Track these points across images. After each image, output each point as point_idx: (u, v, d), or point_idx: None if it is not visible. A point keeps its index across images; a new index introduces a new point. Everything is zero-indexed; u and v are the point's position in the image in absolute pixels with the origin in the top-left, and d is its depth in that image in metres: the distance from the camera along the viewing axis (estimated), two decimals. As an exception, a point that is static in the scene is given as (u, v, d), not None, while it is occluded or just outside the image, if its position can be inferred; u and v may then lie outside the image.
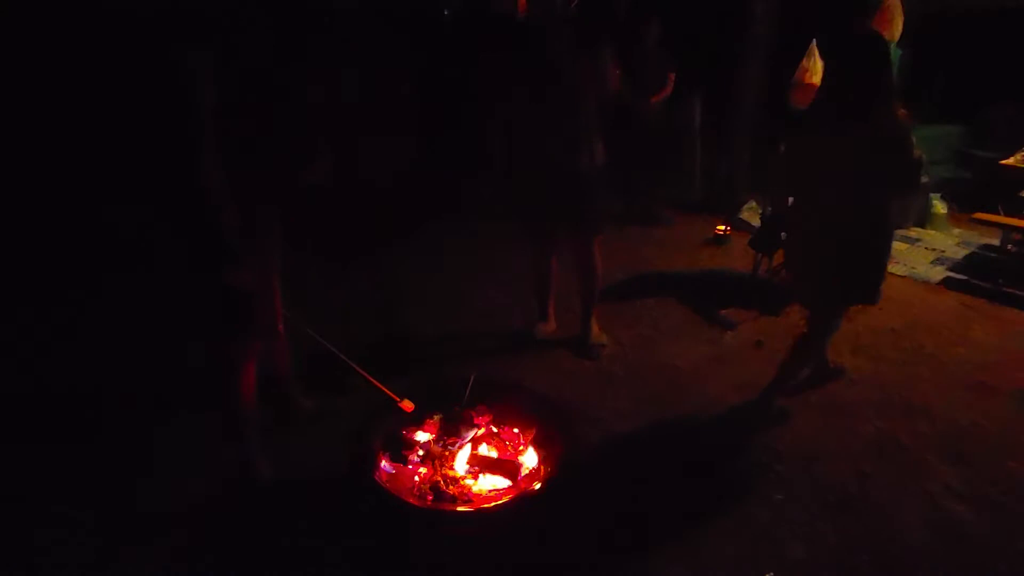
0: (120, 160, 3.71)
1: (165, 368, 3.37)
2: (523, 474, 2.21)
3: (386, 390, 2.42)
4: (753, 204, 5.77)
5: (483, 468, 2.21)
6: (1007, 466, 2.68)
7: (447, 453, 2.24)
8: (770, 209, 4.45)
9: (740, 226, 5.57)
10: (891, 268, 4.87)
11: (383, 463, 2.24)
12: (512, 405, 2.44)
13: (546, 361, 3.45)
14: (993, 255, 4.93)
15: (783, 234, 4.30)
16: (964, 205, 6.04)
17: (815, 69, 5.13)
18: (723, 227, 5.44)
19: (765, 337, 3.73)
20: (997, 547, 2.27)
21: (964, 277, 4.72)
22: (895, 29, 5.16)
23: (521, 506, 2.01)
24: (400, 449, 2.27)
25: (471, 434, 2.30)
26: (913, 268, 4.93)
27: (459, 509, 2.06)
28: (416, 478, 2.19)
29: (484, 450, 2.29)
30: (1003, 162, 4.84)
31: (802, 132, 2.74)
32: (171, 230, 2.20)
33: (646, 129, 5.49)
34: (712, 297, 4.27)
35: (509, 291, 4.22)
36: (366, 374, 2.49)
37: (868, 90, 2.40)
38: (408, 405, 2.41)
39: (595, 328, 3.59)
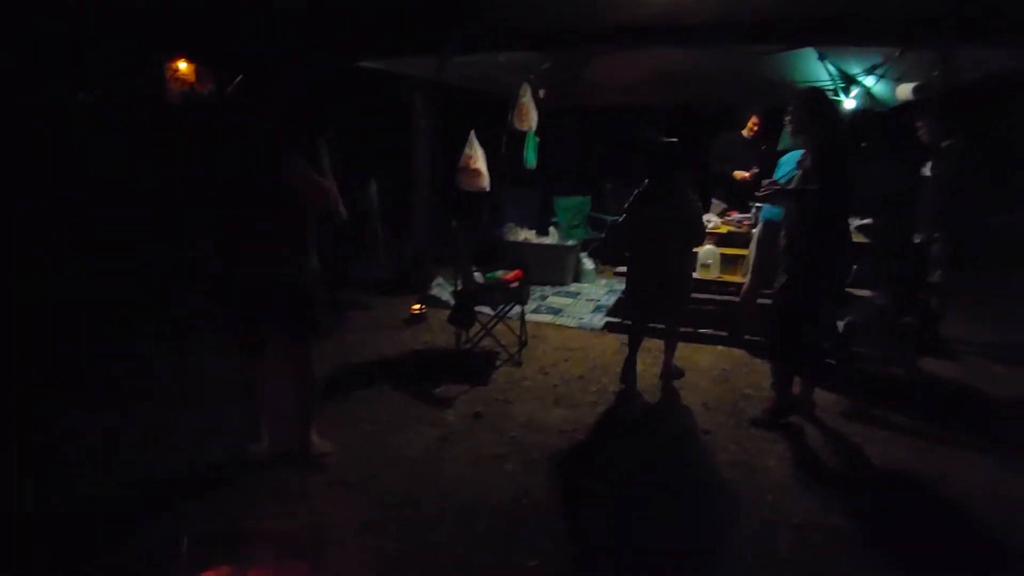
0: None
1: None
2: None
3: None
4: (441, 280, 6.11)
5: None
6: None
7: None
8: (461, 284, 4.78)
9: (433, 302, 5.83)
10: (564, 321, 5.61)
11: None
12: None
13: (269, 484, 3.06)
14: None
15: (476, 309, 4.66)
16: (602, 259, 7.35)
17: (476, 156, 5.77)
18: (418, 306, 5.63)
19: (483, 406, 3.91)
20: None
21: (618, 319, 5.64)
22: (531, 121, 6.10)
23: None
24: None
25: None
26: (581, 318, 5.73)
27: None
28: None
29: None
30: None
31: (634, 209, 3.96)
32: None
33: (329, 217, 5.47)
34: (424, 377, 4.35)
35: (211, 413, 3.70)
36: None
37: (670, 179, 3.86)
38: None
39: (315, 437, 3.34)
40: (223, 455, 3.24)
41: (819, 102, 3.48)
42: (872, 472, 3.28)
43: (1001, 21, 3.72)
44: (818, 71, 6.44)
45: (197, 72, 9.49)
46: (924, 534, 2.79)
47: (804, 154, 3.50)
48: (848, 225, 3.62)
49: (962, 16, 3.80)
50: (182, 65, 9.14)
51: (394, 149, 6.19)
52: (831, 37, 4.39)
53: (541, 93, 6.26)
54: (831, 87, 6.61)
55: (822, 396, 4.08)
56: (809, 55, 5.68)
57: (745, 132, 6.36)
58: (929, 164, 4.85)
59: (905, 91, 5.10)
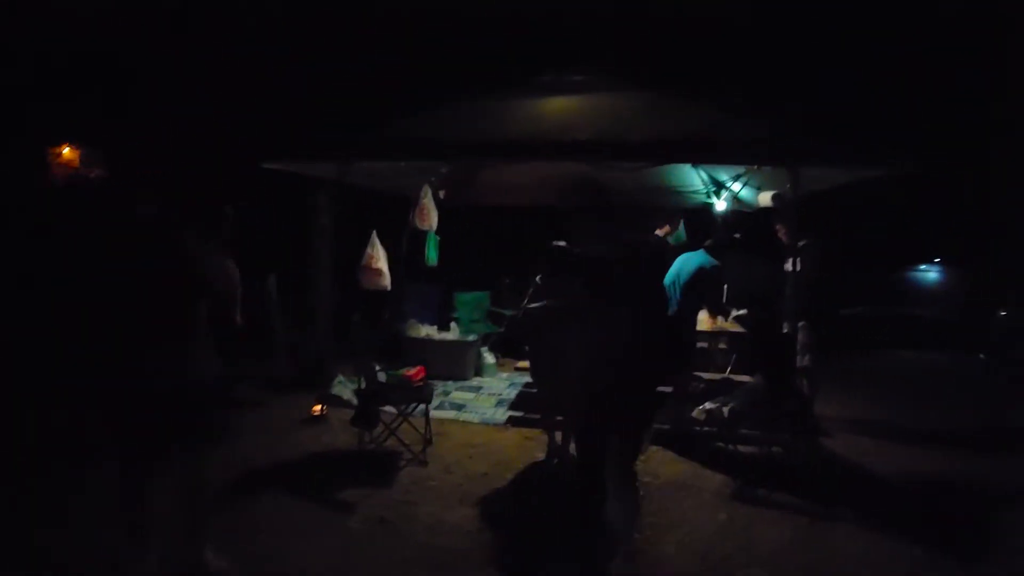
0: None
1: None
2: None
3: None
4: (342, 378, 6.00)
5: None
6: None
7: None
8: (365, 383, 4.75)
9: (334, 401, 5.70)
10: (467, 416, 5.64)
11: None
12: None
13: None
14: (535, 391, 6.15)
15: (380, 408, 4.64)
16: (503, 352, 7.53)
17: (377, 255, 5.88)
18: (319, 406, 5.49)
19: (387, 510, 3.82)
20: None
21: (520, 413, 5.73)
22: (432, 221, 6.33)
23: None
24: None
25: None
26: (484, 413, 5.78)
27: None
28: None
29: None
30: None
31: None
32: None
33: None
34: (326, 482, 4.20)
35: (92, 529, 3.40)
36: None
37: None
38: None
39: (210, 553, 3.13)
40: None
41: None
42: (760, 551, 3.47)
43: (826, 149, 4.44)
44: (692, 178, 7.16)
45: (83, 156, 9.10)
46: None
47: None
48: (658, 325, 3.39)
49: (798, 144, 4.51)
50: (65, 150, 8.79)
51: (295, 246, 6.19)
52: (697, 156, 4.98)
53: (441, 194, 6.54)
54: (704, 191, 7.37)
55: (713, 479, 4.32)
56: (684, 164, 6.34)
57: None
58: (791, 261, 5.45)
59: (765, 198, 5.78)
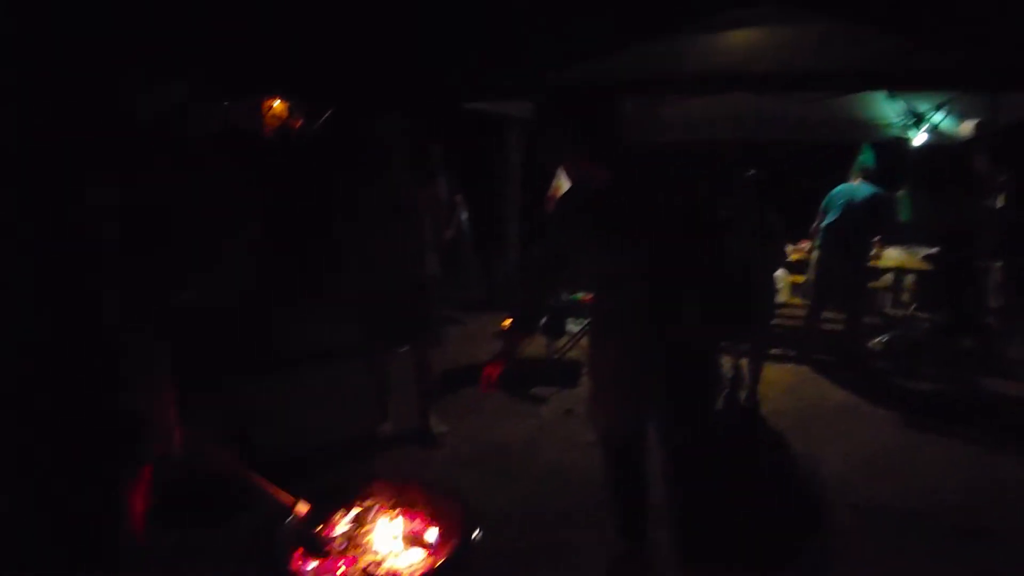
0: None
1: None
2: (434, 544, 2.46)
3: (280, 493, 2.47)
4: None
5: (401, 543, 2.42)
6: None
7: (365, 534, 2.42)
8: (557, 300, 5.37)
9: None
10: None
11: (303, 563, 2.32)
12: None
13: (397, 454, 3.76)
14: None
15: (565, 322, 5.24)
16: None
17: (563, 186, 6.39)
18: (508, 320, 6.23)
19: (572, 404, 4.47)
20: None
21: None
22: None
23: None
24: (317, 544, 2.38)
25: (375, 510, 2.51)
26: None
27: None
28: (340, 571, 2.32)
29: (393, 524, 2.50)
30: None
31: None
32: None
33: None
34: (519, 381, 4.90)
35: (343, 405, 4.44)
36: (259, 480, 2.50)
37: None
38: (302, 507, 2.47)
39: (432, 419, 4.00)
40: (357, 432, 4.00)
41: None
42: (925, 469, 3.61)
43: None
44: (886, 110, 6.78)
45: (291, 108, 10.42)
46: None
47: None
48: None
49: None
50: (276, 103, 10.13)
51: (486, 180, 6.92)
52: (883, 84, 4.84)
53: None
54: (899, 124, 6.94)
55: (882, 408, 4.44)
56: (878, 95, 6.04)
57: None
58: (994, 197, 5.17)
59: (967, 127, 5.44)
